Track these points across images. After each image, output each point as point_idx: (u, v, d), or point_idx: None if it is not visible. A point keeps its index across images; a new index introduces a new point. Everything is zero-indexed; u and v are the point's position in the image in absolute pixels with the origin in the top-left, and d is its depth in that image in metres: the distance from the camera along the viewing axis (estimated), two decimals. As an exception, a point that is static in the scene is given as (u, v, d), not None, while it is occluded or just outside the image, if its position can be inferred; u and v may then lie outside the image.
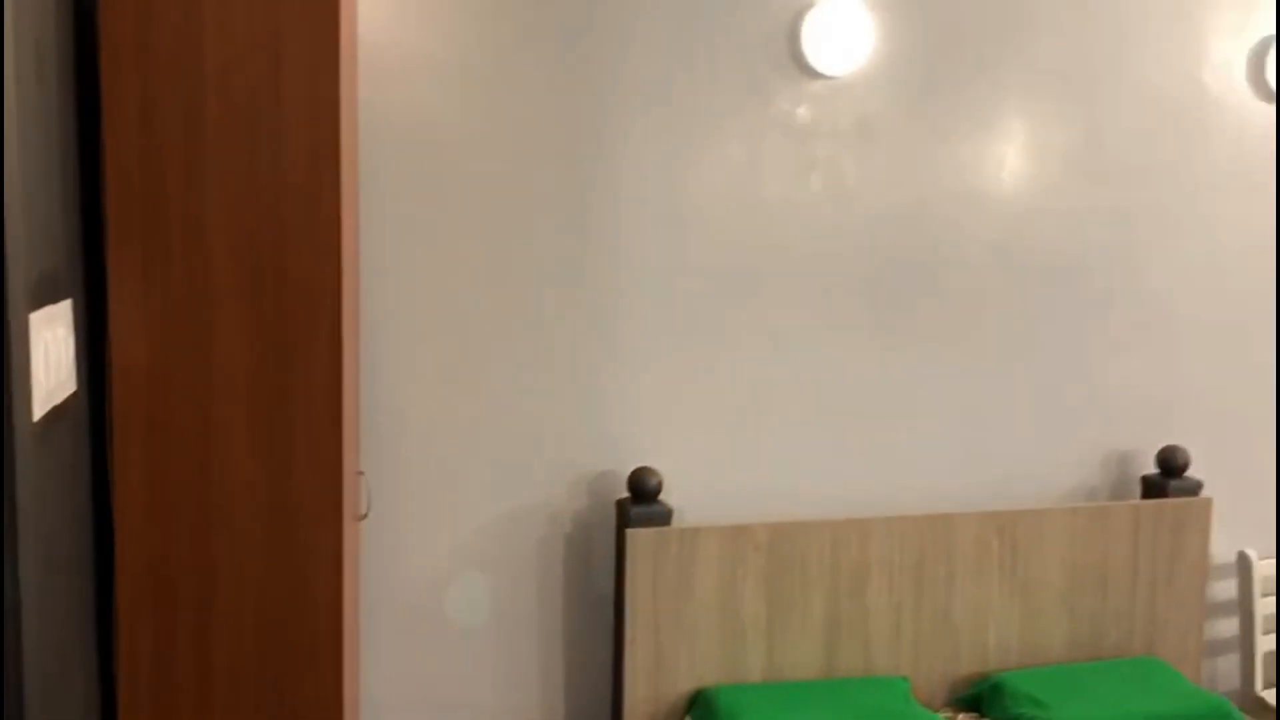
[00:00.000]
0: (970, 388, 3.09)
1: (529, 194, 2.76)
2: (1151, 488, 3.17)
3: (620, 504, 2.80)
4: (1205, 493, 3.18)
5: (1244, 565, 3.23)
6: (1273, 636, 3.27)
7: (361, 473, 2.50)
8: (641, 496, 2.75)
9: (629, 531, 2.71)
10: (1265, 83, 3.20)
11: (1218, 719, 2.76)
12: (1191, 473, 3.19)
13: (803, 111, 2.89)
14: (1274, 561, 3.25)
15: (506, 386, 2.80)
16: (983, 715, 2.88)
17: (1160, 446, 3.18)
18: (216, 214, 2.01)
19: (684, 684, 2.80)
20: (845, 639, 2.90)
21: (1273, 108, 3.22)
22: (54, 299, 1.74)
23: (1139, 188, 3.16)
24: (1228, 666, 3.38)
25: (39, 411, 1.62)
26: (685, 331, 2.88)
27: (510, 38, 2.70)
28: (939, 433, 3.08)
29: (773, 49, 2.85)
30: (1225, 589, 3.36)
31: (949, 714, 2.90)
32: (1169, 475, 3.14)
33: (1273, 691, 3.22)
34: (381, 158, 2.63)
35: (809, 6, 2.83)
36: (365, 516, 2.55)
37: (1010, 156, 3.05)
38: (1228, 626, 3.38)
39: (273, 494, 2.08)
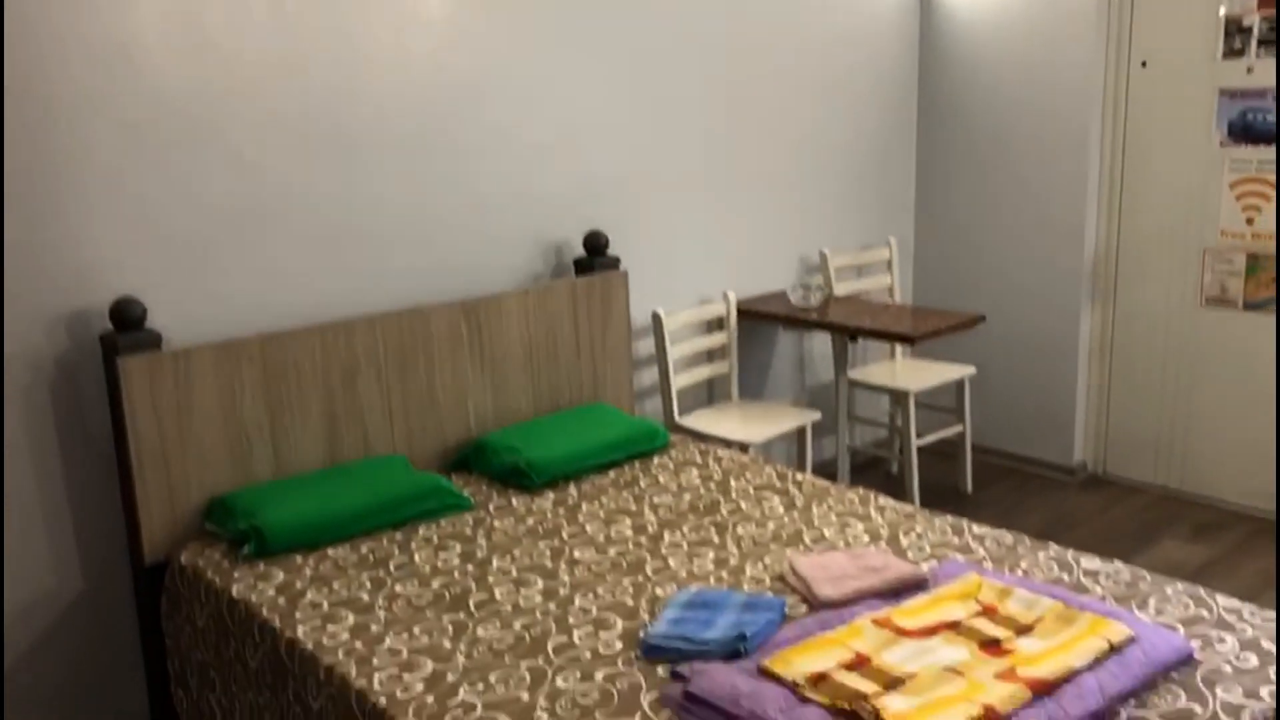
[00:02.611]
0: (429, 199, 3.45)
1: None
2: (582, 266, 3.78)
3: (105, 337, 2.83)
4: (621, 267, 3.86)
5: (657, 322, 4.00)
6: (684, 375, 4.10)
7: None
8: (127, 325, 2.80)
9: (121, 360, 2.76)
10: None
11: (649, 435, 3.48)
12: (610, 252, 3.84)
13: (234, -63, 2.97)
14: (679, 316, 4.05)
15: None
16: (471, 471, 3.37)
17: (585, 232, 3.79)
18: None
19: (197, 497, 2.95)
20: (344, 431, 3.21)
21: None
22: None
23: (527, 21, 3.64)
24: (654, 404, 4.19)
25: None
26: (151, 160, 2.91)
27: None
28: (407, 240, 3.41)
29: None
30: (647, 345, 4.13)
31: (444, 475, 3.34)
32: (594, 254, 3.77)
33: (688, 417, 4.06)
34: None
35: None
36: None
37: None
38: (651, 374, 4.17)
39: None
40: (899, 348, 4.78)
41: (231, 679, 2.62)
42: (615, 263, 3.82)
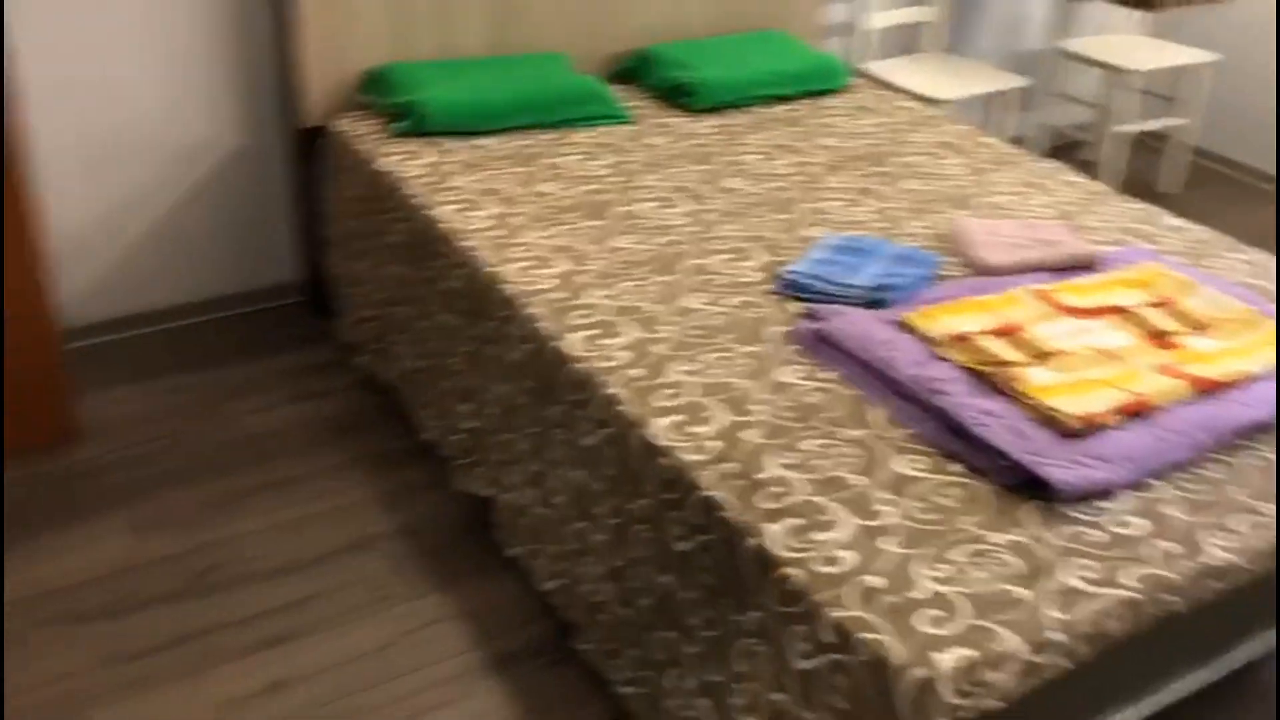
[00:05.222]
0: None
1: None
2: None
3: (271, -122, 2.66)
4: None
5: (862, -51, 3.58)
6: (883, 15, 3.72)
7: None
8: None
9: (284, -95, 2.62)
10: None
11: (828, 72, 3.21)
12: None
13: None
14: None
15: None
16: (635, 84, 3.20)
17: None
18: None
19: (355, 63, 2.87)
20: (510, 20, 3.03)
21: None
22: None
23: None
24: (844, 45, 3.85)
25: None
26: None
27: None
28: None
29: None
30: (845, -25, 3.74)
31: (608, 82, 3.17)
32: None
33: (877, 63, 3.73)
34: None
35: None
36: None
37: None
38: (845, 8, 3.80)
39: None
40: (1135, 19, 4.21)
41: (376, 250, 2.65)
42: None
